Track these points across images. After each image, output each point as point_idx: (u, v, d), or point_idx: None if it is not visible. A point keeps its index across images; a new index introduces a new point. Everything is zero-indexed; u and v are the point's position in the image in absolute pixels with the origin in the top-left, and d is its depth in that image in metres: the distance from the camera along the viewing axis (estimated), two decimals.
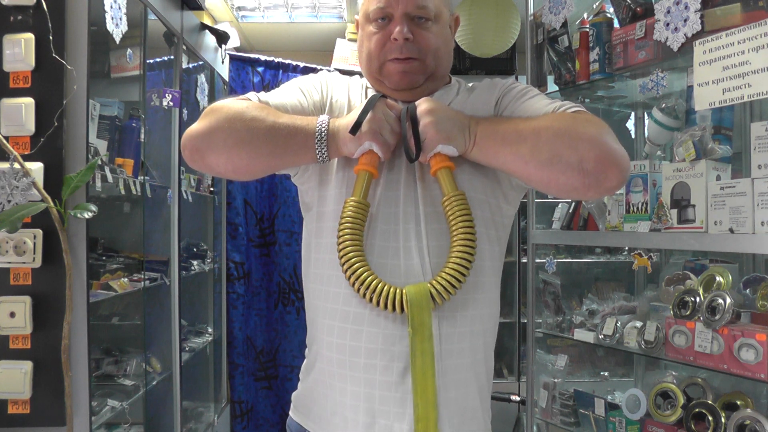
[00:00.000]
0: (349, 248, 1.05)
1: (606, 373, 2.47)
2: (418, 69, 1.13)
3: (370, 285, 1.03)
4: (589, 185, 1.00)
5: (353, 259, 1.04)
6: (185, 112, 2.63)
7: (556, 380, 2.20)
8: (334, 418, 1.13)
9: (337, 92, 1.21)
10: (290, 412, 1.26)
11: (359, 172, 1.07)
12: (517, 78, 3.74)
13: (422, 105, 1.07)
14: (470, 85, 1.23)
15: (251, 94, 1.15)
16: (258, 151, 1.05)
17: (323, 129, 1.05)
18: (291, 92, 1.18)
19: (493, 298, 1.16)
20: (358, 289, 1.03)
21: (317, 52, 4.08)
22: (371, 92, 1.21)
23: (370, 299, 1.03)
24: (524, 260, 3.44)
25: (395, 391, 1.06)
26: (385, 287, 1.02)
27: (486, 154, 1.06)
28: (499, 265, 1.18)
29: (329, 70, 1.27)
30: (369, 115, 1.05)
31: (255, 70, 3.40)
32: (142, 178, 2.19)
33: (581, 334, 2.03)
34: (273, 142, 1.05)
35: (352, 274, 1.03)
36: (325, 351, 1.13)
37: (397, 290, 1.02)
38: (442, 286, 1.03)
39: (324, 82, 1.23)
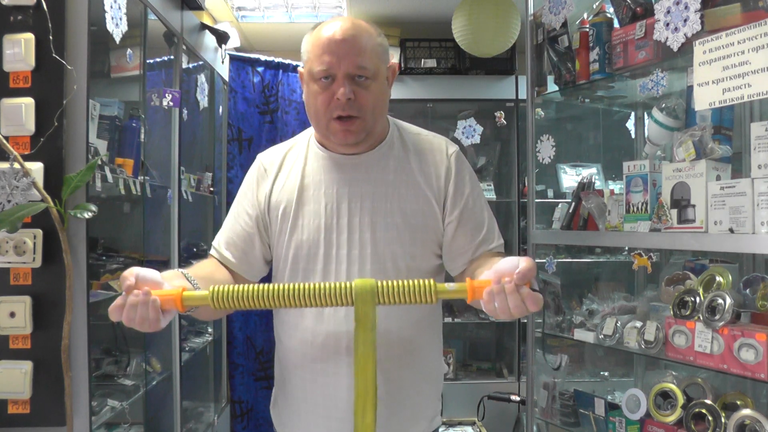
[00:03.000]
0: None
1: (606, 373, 2.47)
2: (359, 127, 1.27)
3: (320, 285, 1.05)
4: None
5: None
6: (185, 112, 2.63)
7: (556, 380, 2.20)
8: (301, 418, 1.35)
9: (269, 183, 1.37)
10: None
11: None
12: (517, 78, 3.74)
13: None
14: (410, 135, 1.39)
15: (212, 249, 1.40)
16: None
17: None
18: (236, 224, 1.38)
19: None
20: (311, 289, 1.05)
21: None
22: (313, 144, 1.38)
23: (320, 295, 1.04)
24: None
25: (344, 378, 1.27)
26: (334, 283, 1.06)
27: None
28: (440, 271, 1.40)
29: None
30: None
31: (255, 70, 3.40)
32: (142, 178, 2.19)
33: (581, 334, 2.03)
34: None
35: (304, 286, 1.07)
36: (291, 357, 1.36)
37: (345, 284, 1.05)
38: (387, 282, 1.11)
39: (254, 186, 1.39)
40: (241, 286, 1.01)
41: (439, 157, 1.36)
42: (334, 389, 1.29)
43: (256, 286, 1.02)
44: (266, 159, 1.41)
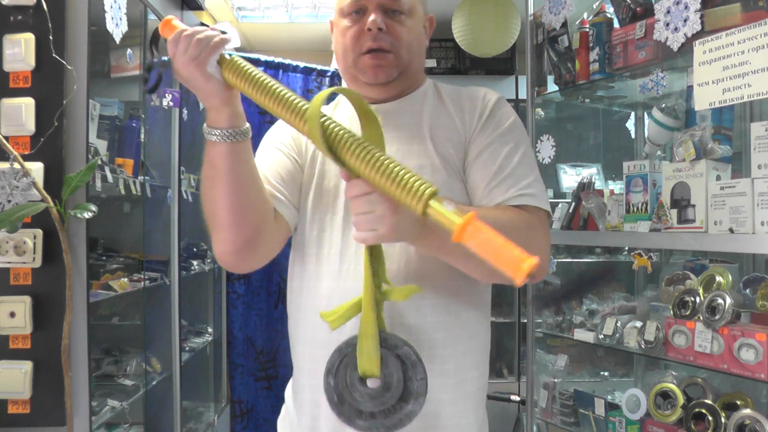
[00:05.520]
0: None
1: (606, 373, 2.47)
2: (392, 62, 1.14)
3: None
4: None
5: None
6: (185, 112, 2.63)
7: (556, 380, 2.20)
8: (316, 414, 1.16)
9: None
10: None
11: None
12: (517, 78, 3.74)
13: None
14: (448, 90, 1.22)
15: None
16: (218, 198, 1.02)
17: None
18: (268, 153, 1.19)
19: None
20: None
21: (317, 52, 4.08)
22: (343, 98, 1.24)
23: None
24: None
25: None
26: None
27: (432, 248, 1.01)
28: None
29: None
30: None
31: None
32: (142, 178, 2.19)
33: (581, 334, 2.03)
34: (208, 178, 1.03)
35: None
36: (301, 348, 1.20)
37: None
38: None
39: (281, 127, 1.23)
40: (256, 71, 0.94)
41: (477, 102, 1.18)
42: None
43: (267, 80, 0.94)
44: None
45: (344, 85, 1.26)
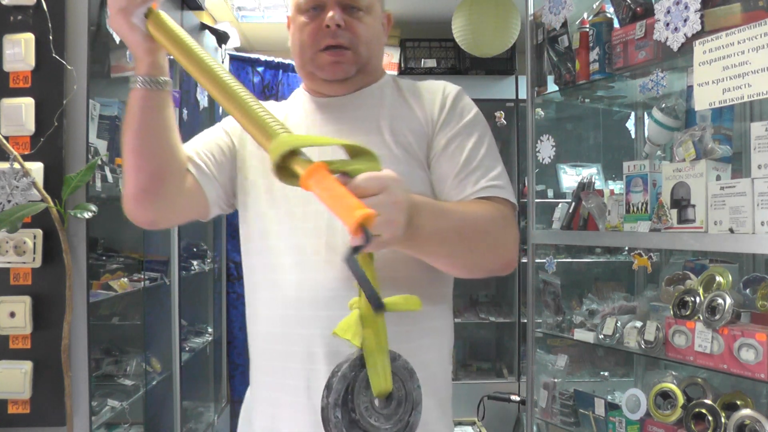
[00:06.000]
0: None
1: (606, 373, 2.47)
2: (350, 59, 1.13)
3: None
4: (483, 275, 1.12)
5: None
6: (185, 112, 2.64)
7: (556, 380, 2.20)
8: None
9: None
10: None
11: None
12: (517, 78, 3.74)
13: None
14: (407, 84, 1.21)
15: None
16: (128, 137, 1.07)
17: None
18: (212, 131, 1.25)
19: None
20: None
21: None
22: (299, 92, 1.25)
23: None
24: (524, 260, 3.44)
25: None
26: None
27: (417, 249, 1.00)
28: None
29: None
30: None
31: (255, 70, 3.40)
32: None
33: (581, 334, 2.03)
34: (124, 125, 1.09)
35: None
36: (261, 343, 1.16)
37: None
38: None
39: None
40: (176, 28, 1.02)
41: (437, 95, 1.17)
42: (309, 344, 1.06)
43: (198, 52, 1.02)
44: None
45: (301, 82, 1.26)
